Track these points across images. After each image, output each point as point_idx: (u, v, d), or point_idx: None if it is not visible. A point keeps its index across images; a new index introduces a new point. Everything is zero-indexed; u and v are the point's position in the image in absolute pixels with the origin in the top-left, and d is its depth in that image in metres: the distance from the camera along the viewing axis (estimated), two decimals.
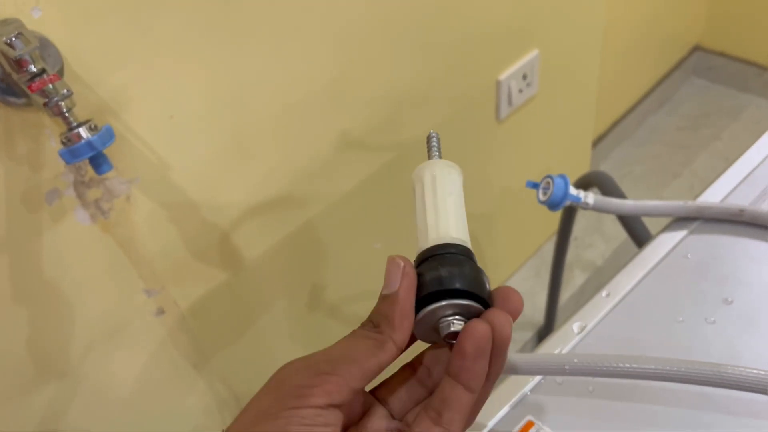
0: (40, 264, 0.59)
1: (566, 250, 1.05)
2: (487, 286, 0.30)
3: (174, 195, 0.66)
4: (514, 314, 0.29)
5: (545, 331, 1.26)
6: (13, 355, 0.61)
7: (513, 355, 0.39)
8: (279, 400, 0.28)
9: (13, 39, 0.45)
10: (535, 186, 0.54)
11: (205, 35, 0.60)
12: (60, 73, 0.50)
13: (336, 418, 0.28)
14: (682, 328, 0.47)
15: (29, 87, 0.46)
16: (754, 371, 0.34)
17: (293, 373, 0.29)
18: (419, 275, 0.30)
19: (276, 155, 0.74)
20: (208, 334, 0.79)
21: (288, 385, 0.28)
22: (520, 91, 1.04)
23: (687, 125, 1.77)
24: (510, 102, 1.03)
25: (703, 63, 1.86)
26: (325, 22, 0.70)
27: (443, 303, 0.28)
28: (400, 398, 0.32)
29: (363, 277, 0.98)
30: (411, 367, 0.33)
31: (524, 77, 1.03)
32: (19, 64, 0.45)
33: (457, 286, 0.28)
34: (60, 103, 0.47)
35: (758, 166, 0.58)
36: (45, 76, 0.46)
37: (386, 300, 0.29)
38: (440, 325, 0.29)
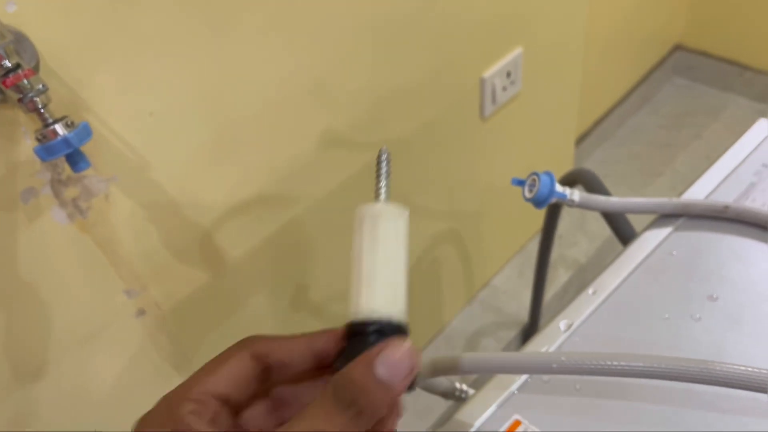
0: (16, 264, 0.57)
1: (551, 248, 1.05)
2: None
3: (154, 194, 0.65)
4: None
5: (530, 329, 1.26)
6: None
7: (500, 354, 0.39)
8: None
9: None
10: (521, 183, 0.54)
11: (186, 31, 0.59)
12: (35, 69, 0.49)
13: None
14: (668, 325, 0.47)
15: (3, 82, 0.45)
16: (741, 368, 0.34)
17: None
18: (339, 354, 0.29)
19: (258, 153, 0.73)
20: (189, 336, 0.78)
21: None
22: (504, 89, 1.04)
23: (668, 124, 1.79)
24: (494, 100, 1.03)
25: (684, 62, 1.88)
26: (308, 18, 0.69)
27: None
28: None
29: (346, 277, 0.97)
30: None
31: (508, 75, 1.03)
32: None
33: None
34: (35, 98, 0.46)
35: (741, 163, 0.59)
36: (20, 71, 0.45)
37: (381, 388, 0.26)
38: None
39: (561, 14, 1.10)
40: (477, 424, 0.43)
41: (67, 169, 0.56)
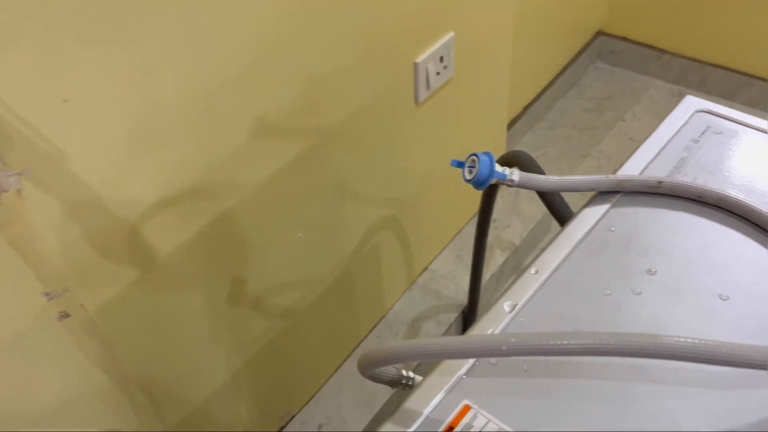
0: None
1: (487, 230, 1.06)
2: None
3: (74, 187, 0.60)
4: None
5: (469, 310, 1.27)
6: None
7: (448, 339, 0.38)
8: None
9: None
10: (461, 165, 0.53)
11: (104, 10, 0.55)
12: None
13: None
14: (610, 300, 0.47)
15: None
16: (689, 340, 0.35)
17: None
18: None
19: (187, 142, 0.69)
20: (120, 337, 0.73)
21: None
22: (438, 73, 1.04)
23: (593, 107, 1.84)
24: (428, 85, 1.03)
25: (606, 47, 1.94)
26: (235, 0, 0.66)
27: None
28: None
29: (286, 267, 0.94)
30: None
31: (441, 60, 1.03)
32: None
33: None
34: None
35: (671, 139, 0.60)
36: None
37: None
38: None
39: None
40: (426, 411, 0.42)
41: None
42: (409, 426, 0.42)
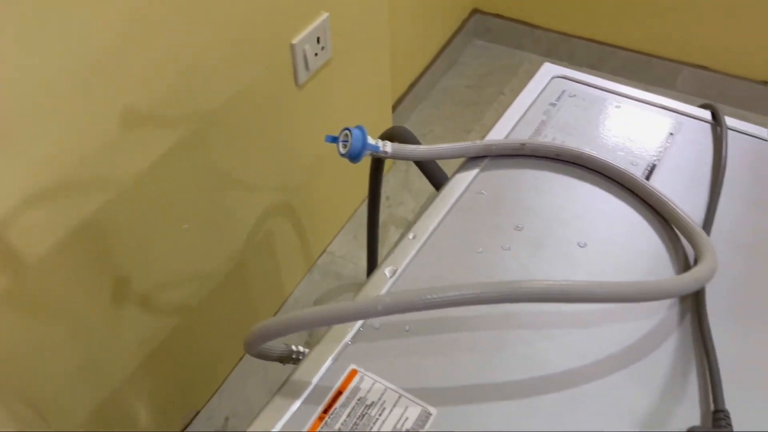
0: None
1: (378, 207, 1.08)
2: None
3: None
4: None
5: None
6: None
7: (326, 306, 0.39)
8: None
9: None
10: (334, 140, 0.54)
11: None
12: None
13: None
14: (483, 258, 0.50)
15: None
16: (545, 282, 0.37)
17: None
18: None
19: (52, 136, 0.65)
20: None
21: None
22: (316, 54, 1.04)
23: (474, 84, 1.91)
24: (307, 66, 1.02)
25: (482, 25, 2.01)
26: None
27: None
28: None
29: (173, 261, 0.92)
30: None
31: (318, 41, 1.03)
32: None
33: None
34: None
35: (532, 104, 0.64)
36: None
37: None
38: None
39: None
40: (314, 380, 0.43)
41: None
42: (299, 396, 0.42)
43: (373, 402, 0.42)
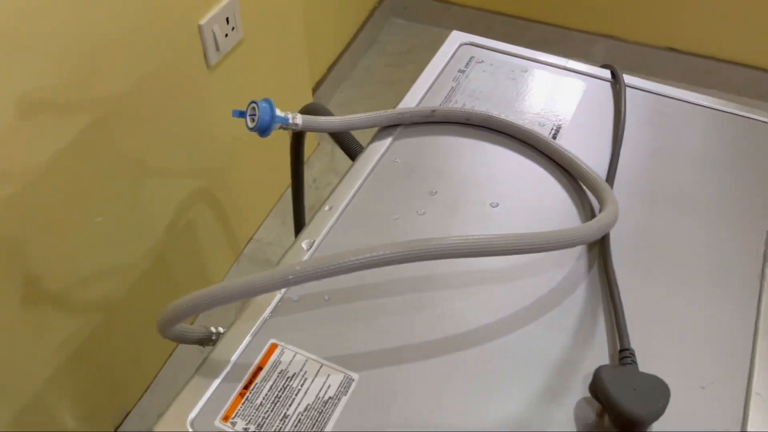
0: None
1: (302, 189, 1.07)
2: None
3: None
4: None
5: None
6: None
7: (237, 280, 0.38)
8: None
9: None
10: (242, 114, 0.53)
11: None
12: None
13: None
14: (399, 224, 0.50)
15: None
16: (454, 238, 0.38)
17: None
18: None
19: None
20: None
21: None
22: (226, 35, 1.01)
23: (394, 62, 1.91)
24: (217, 48, 1.00)
25: (399, 3, 2.01)
26: None
27: None
28: None
29: (89, 256, 0.88)
30: None
31: (227, 21, 1.00)
32: None
33: None
34: None
35: (441, 72, 0.64)
36: None
37: None
38: None
39: None
40: (233, 358, 0.42)
41: None
42: (217, 375, 0.41)
43: (294, 374, 0.41)
